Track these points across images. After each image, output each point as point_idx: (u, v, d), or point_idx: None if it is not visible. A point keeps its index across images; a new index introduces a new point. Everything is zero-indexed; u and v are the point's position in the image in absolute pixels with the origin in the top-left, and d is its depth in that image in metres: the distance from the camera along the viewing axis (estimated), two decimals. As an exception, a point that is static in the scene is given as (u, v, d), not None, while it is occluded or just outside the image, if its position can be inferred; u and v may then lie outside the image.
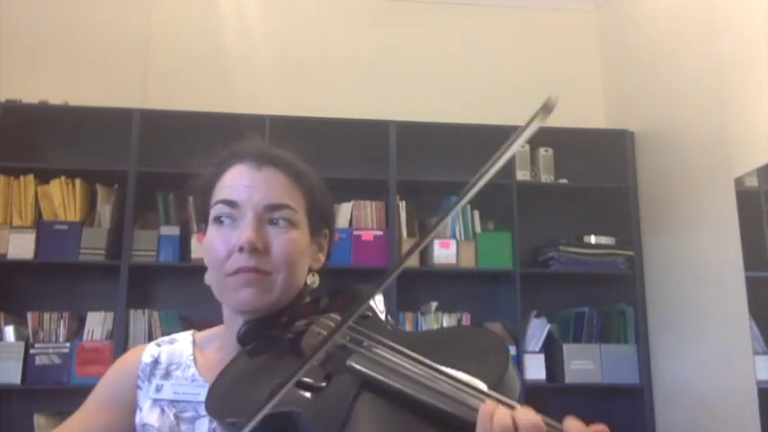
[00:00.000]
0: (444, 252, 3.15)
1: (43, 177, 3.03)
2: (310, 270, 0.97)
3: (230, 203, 0.91)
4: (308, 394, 0.73)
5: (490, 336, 0.82)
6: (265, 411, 0.66)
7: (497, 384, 0.68)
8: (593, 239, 3.29)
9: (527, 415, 0.64)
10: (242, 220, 0.90)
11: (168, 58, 3.48)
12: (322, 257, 1.00)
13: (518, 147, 0.66)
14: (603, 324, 3.24)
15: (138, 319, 2.98)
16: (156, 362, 1.00)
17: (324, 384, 0.74)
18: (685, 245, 2.95)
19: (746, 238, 2.54)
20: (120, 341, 2.90)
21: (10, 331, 2.89)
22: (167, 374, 0.99)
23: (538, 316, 3.19)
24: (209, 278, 0.94)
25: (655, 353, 3.13)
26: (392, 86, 3.56)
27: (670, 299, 3.05)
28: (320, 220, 0.99)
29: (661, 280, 3.13)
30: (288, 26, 3.63)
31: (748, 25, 2.56)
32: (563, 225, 3.40)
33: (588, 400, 3.22)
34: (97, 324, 2.95)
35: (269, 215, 0.91)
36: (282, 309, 0.91)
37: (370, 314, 0.88)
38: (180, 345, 1.03)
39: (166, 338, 1.05)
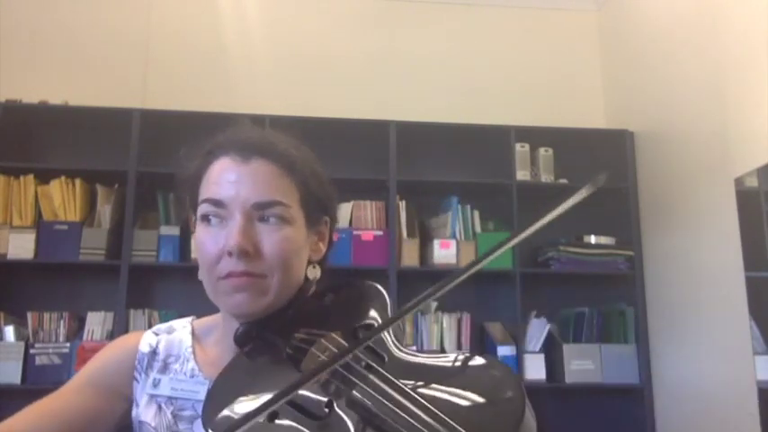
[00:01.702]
0: (444, 252, 3.15)
1: (43, 177, 3.03)
2: (310, 262, 0.92)
3: (216, 203, 0.86)
4: (309, 425, 0.70)
5: (504, 375, 0.71)
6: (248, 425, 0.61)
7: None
8: (593, 239, 3.29)
9: None
10: (230, 219, 0.85)
11: (168, 58, 3.48)
12: (323, 247, 0.96)
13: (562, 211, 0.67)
14: (603, 324, 3.24)
15: (138, 319, 2.98)
16: (153, 353, 0.97)
17: (326, 413, 0.70)
18: (685, 245, 2.95)
19: (746, 238, 2.54)
20: (120, 341, 2.89)
21: (10, 331, 2.89)
22: (165, 367, 0.95)
23: (538, 316, 3.19)
24: (201, 275, 0.90)
25: (655, 353, 3.13)
26: (392, 86, 3.56)
27: (670, 299, 3.05)
28: (318, 209, 0.93)
29: (661, 280, 3.13)
30: (288, 26, 3.63)
31: (748, 25, 2.56)
32: (563, 225, 3.37)
33: (588, 400, 3.22)
34: (97, 324, 2.96)
35: (259, 213, 0.85)
36: (283, 307, 0.87)
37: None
38: (178, 334, 0.99)
39: (164, 326, 1.01)
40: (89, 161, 3.15)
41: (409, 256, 3.15)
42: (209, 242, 0.86)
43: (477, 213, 3.28)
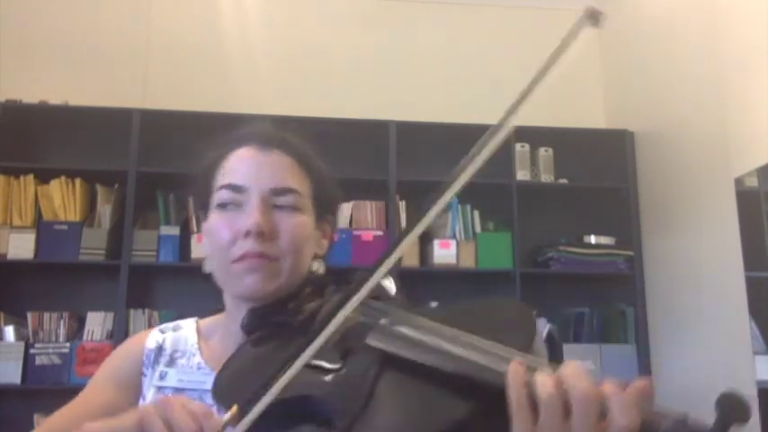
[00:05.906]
0: (444, 252, 3.15)
1: (43, 177, 3.03)
2: (315, 256, 0.95)
3: (235, 188, 0.88)
4: (324, 377, 0.69)
5: (516, 305, 0.75)
6: (276, 390, 0.62)
7: (527, 348, 0.63)
8: (593, 239, 3.29)
9: (577, 379, 0.55)
10: (247, 204, 0.88)
11: (168, 58, 3.48)
12: (326, 243, 0.99)
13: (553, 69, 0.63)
14: (603, 324, 3.24)
15: (138, 319, 2.98)
16: (160, 348, 0.98)
17: (340, 366, 0.70)
18: (685, 245, 2.95)
19: (746, 238, 2.54)
20: (120, 341, 2.86)
21: (10, 331, 2.89)
22: (172, 362, 0.97)
23: (538, 316, 3.18)
24: (209, 266, 0.91)
25: (655, 353, 3.12)
26: (392, 86, 3.56)
27: (670, 299, 3.05)
28: (325, 205, 0.96)
29: (661, 280, 3.13)
30: (288, 26, 3.62)
31: (748, 25, 2.56)
32: (563, 225, 3.40)
33: (588, 400, 3.22)
34: (97, 324, 2.96)
35: (275, 199, 0.88)
36: (286, 296, 0.88)
37: (381, 294, 0.83)
38: (184, 332, 1.01)
39: (170, 325, 1.03)
40: (89, 161, 3.15)
41: (409, 256, 3.15)
42: (223, 227, 0.88)
43: (477, 213, 3.28)
